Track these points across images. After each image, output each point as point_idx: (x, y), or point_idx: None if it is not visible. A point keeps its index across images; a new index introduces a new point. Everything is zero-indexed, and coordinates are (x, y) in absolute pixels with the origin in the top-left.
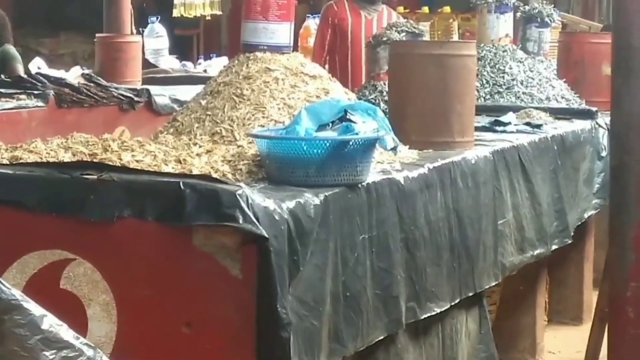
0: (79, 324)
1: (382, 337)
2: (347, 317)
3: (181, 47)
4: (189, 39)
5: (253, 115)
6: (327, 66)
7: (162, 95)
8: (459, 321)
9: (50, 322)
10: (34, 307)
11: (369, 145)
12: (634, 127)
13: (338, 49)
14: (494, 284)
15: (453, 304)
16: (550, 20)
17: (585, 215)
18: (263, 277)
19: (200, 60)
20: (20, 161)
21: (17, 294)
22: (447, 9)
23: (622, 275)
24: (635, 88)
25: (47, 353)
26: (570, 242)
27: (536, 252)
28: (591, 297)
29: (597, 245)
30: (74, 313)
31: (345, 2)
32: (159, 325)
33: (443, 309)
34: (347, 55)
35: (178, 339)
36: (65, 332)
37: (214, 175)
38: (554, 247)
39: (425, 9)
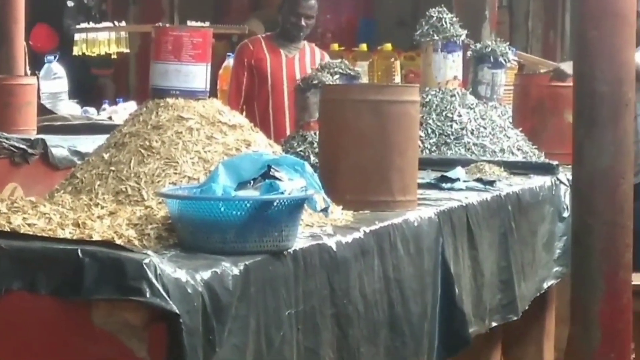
0: None
1: None
2: None
3: (91, 90)
4: (104, 80)
5: (163, 171)
6: (244, 114)
7: (60, 146)
8: None
9: None
10: None
11: (296, 206)
12: (598, 185)
13: (257, 94)
14: None
15: None
16: (505, 60)
17: (545, 286)
18: None
19: (105, 106)
20: None
21: None
22: (387, 46)
23: (587, 356)
24: (600, 140)
25: None
26: (516, 318)
27: (471, 330)
28: None
29: (558, 320)
30: None
31: (262, 40)
32: None
33: None
34: (267, 101)
35: None
36: None
37: (118, 242)
38: (494, 324)
39: (363, 47)
